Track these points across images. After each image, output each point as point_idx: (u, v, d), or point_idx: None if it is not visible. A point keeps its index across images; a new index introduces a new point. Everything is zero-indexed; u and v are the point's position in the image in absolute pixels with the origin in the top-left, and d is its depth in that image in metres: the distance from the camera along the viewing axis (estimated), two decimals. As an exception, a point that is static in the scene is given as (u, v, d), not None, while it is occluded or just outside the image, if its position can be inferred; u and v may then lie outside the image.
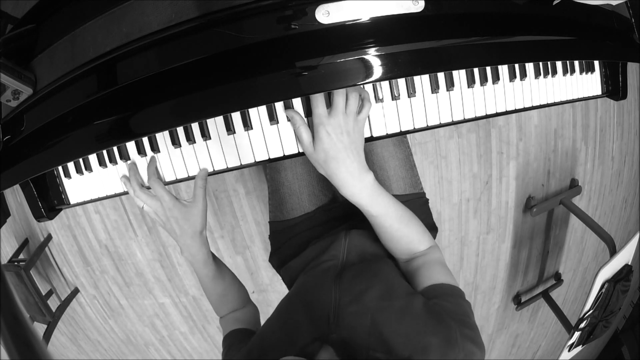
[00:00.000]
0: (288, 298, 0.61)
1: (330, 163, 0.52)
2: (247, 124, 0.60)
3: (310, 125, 0.55)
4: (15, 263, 1.90)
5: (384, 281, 0.54)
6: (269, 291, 1.99)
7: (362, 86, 0.58)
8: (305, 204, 0.84)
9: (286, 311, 0.57)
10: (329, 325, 0.49)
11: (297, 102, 0.60)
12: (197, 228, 0.63)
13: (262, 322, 0.63)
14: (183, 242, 0.63)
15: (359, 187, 0.54)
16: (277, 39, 0.50)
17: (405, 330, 0.46)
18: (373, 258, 0.64)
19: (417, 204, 0.84)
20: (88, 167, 0.67)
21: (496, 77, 0.64)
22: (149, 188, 0.63)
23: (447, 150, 1.83)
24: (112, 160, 0.65)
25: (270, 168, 0.86)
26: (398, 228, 0.58)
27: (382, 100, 0.60)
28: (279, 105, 0.60)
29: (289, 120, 0.60)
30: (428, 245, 0.61)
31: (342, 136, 0.52)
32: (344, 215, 0.83)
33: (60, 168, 0.70)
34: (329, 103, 0.55)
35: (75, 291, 2.07)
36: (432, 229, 0.84)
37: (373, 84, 0.60)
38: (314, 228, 0.83)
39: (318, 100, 0.52)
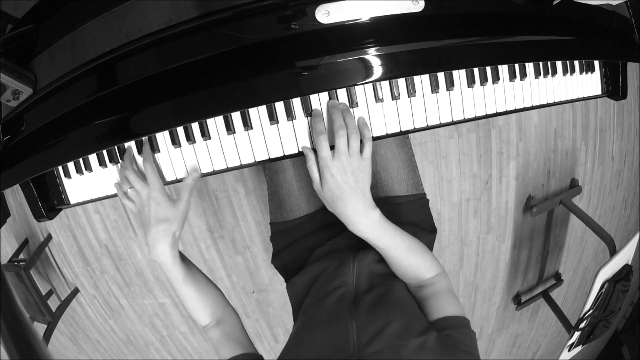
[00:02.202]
0: (302, 337, 0.59)
1: (337, 202, 0.55)
2: (247, 124, 0.60)
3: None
4: (15, 263, 1.90)
5: (399, 316, 0.55)
6: (269, 291, 1.99)
7: (360, 117, 0.59)
8: (304, 205, 0.84)
9: (305, 353, 0.55)
10: None
11: (297, 102, 0.60)
12: (172, 227, 0.60)
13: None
14: (154, 233, 0.59)
15: (364, 223, 0.56)
16: (277, 39, 0.50)
17: None
18: (383, 281, 0.64)
19: (418, 204, 0.84)
20: (88, 167, 0.67)
21: (496, 77, 0.64)
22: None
23: (447, 150, 1.83)
24: (112, 160, 0.65)
25: (269, 169, 0.86)
26: (406, 258, 0.60)
27: (382, 100, 0.60)
28: (279, 105, 0.60)
29: (289, 120, 0.60)
30: (436, 272, 0.62)
31: (346, 176, 0.54)
32: None
33: (60, 168, 0.70)
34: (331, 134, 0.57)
35: (75, 291, 2.07)
36: (432, 230, 0.84)
37: (373, 84, 0.60)
38: (315, 232, 0.82)
39: (322, 144, 0.54)
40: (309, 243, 0.80)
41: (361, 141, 0.56)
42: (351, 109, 0.60)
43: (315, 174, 0.57)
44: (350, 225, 0.56)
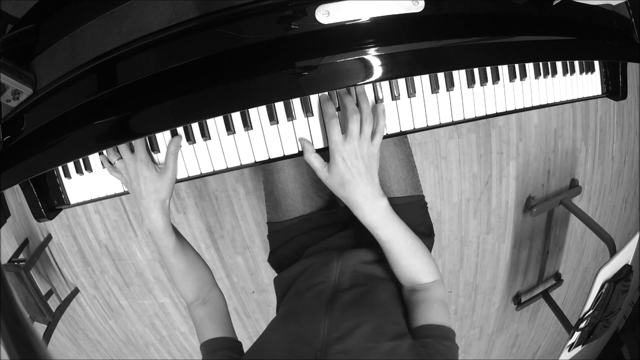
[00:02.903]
0: (275, 327, 0.59)
1: (346, 186, 0.55)
2: (247, 124, 0.60)
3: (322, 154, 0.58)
4: (15, 263, 1.90)
5: (375, 318, 0.54)
6: (269, 291, 1.99)
7: (382, 104, 0.58)
8: (300, 206, 0.84)
9: (274, 345, 0.55)
10: None
11: (297, 102, 0.60)
12: (161, 195, 0.61)
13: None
14: (146, 204, 0.60)
15: (371, 209, 0.56)
16: (277, 39, 0.50)
17: None
18: (367, 281, 0.63)
19: (417, 206, 0.83)
20: (88, 167, 0.67)
21: (496, 77, 0.64)
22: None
23: (447, 150, 1.83)
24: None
25: (264, 170, 0.86)
26: (405, 257, 0.59)
27: (382, 101, 0.60)
28: (279, 105, 0.60)
29: (289, 120, 0.60)
30: (432, 279, 0.61)
31: (356, 161, 0.54)
32: (343, 221, 0.83)
33: (60, 168, 0.70)
34: (343, 125, 0.56)
35: (75, 291, 2.07)
36: (430, 234, 0.83)
37: (373, 84, 0.60)
38: (311, 231, 0.82)
39: (334, 127, 0.54)
40: (303, 242, 0.81)
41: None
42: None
43: (315, 163, 0.57)
44: (357, 210, 0.56)
